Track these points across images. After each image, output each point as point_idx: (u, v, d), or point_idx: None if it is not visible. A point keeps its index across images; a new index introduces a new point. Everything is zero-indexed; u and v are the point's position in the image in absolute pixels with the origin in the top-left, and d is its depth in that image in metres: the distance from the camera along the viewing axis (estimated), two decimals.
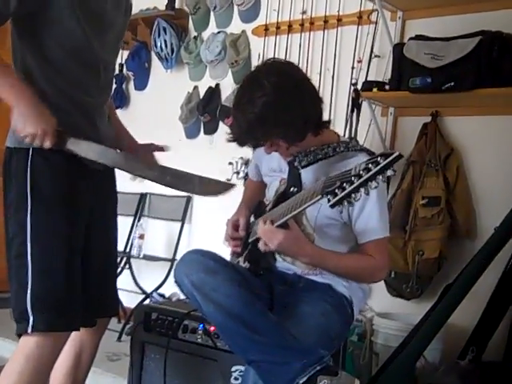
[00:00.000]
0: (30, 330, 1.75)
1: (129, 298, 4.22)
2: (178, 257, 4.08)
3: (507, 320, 2.82)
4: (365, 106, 3.35)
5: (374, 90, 3.22)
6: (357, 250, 1.98)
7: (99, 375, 3.22)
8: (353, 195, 1.51)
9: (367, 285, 2.10)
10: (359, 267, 1.94)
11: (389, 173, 1.50)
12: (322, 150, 1.96)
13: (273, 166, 2.09)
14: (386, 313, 3.22)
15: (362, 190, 1.51)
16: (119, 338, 3.85)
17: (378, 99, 3.33)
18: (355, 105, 3.33)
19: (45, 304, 1.78)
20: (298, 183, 1.93)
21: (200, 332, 2.18)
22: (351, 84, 3.38)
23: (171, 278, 4.08)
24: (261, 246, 1.82)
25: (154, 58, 4.46)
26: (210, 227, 4.15)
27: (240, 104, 1.88)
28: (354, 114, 3.35)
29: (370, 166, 1.50)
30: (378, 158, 1.50)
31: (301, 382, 1.64)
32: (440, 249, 3.07)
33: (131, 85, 4.67)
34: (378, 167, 1.49)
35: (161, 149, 2.29)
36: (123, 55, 4.64)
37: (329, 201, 1.54)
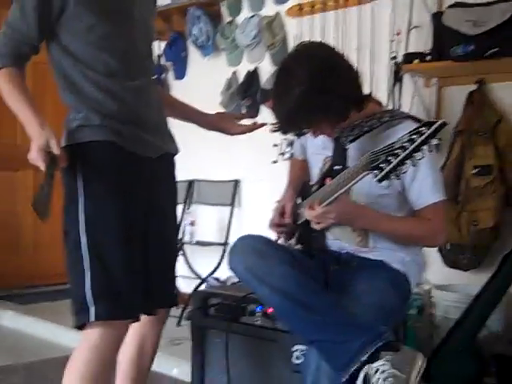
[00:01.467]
0: (91, 319, 1.77)
1: (185, 284, 4.29)
2: (230, 241, 4.19)
3: None
4: (406, 78, 3.32)
5: (415, 61, 3.18)
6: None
7: (163, 359, 3.30)
8: (399, 168, 1.50)
9: (422, 258, 2.09)
10: (416, 230, 1.93)
11: (434, 142, 1.49)
12: (366, 122, 1.95)
13: (317, 144, 2.09)
14: (444, 285, 3.20)
15: (409, 162, 1.50)
16: (179, 323, 3.92)
17: (420, 71, 3.28)
18: (397, 79, 3.30)
19: (104, 294, 1.80)
20: (343, 160, 1.93)
21: (258, 314, 2.21)
22: (391, 58, 3.34)
23: (225, 262, 4.17)
24: (315, 226, 1.83)
25: (191, 46, 4.49)
26: (260, 210, 4.17)
27: (277, 94, 1.89)
28: (396, 88, 3.32)
29: (414, 136, 1.49)
30: (422, 128, 1.49)
31: (363, 359, 1.66)
32: (495, 218, 3.02)
33: (170, 75, 4.71)
34: (423, 137, 1.48)
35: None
36: (160, 46, 4.69)
37: (375, 176, 1.53)
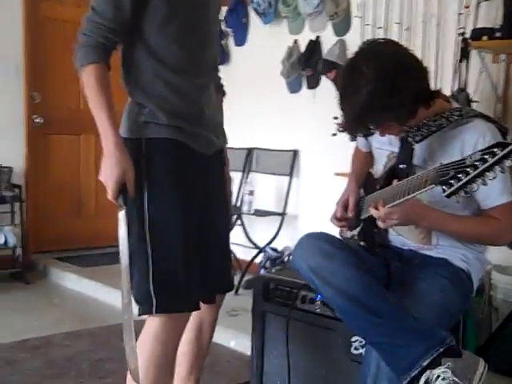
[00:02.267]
0: (154, 312, 1.85)
1: (243, 252, 4.38)
2: (288, 211, 4.22)
3: None
4: (473, 54, 3.23)
5: (484, 38, 3.09)
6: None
7: (221, 332, 3.39)
8: (469, 186, 1.49)
9: (484, 255, 2.08)
10: (483, 230, 1.90)
11: (507, 163, 1.47)
12: (434, 121, 1.92)
13: (382, 139, 2.07)
14: (504, 266, 3.17)
15: (479, 180, 1.48)
16: (236, 292, 4.00)
17: (489, 47, 3.19)
18: (464, 54, 3.21)
19: (165, 288, 1.87)
20: (409, 160, 1.92)
21: (318, 302, 2.24)
22: (459, 34, 3.25)
23: (282, 232, 4.22)
24: (380, 224, 1.84)
25: (252, 12, 4.45)
26: (318, 181, 4.21)
27: (345, 95, 1.87)
28: (463, 63, 3.24)
29: (486, 156, 1.47)
30: (495, 149, 1.47)
31: (424, 364, 1.68)
32: None
33: (231, 41, 4.69)
34: (495, 158, 1.46)
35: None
36: (222, 12, 4.66)
37: (444, 191, 1.53)
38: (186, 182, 1.91)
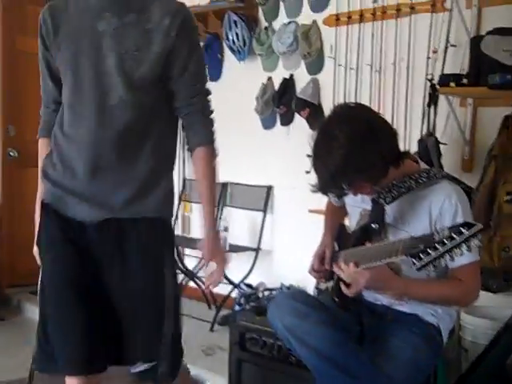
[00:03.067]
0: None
1: (217, 287, 4.40)
2: (262, 246, 4.26)
3: None
4: (442, 97, 3.32)
5: (452, 84, 3.18)
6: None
7: (196, 372, 3.41)
8: (437, 261, 1.57)
9: (453, 309, 2.15)
10: (449, 294, 1.98)
11: (473, 243, 1.55)
12: (404, 182, 2.01)
13: (354, 197, 2.15)
14: (474, 307, 3.24)
15: (447, 256, 1.56)
16: (212, 328, 4.03)
17: (456, 93, 3.29)
18: (432, 99, 3.31)
19: (39, 347, 1.99)
20: (381, 220, 2.00)
21: (291, 350, 2.29)
22: (427, 79, 3.35)
23: (257, 268, 4.27)
24: (344, 290, 1.90)
25: (227, 48, 4.51)
26: (292, 217, 4.27)
27: (319, 156, 1.95)
28: (432, 107, 3.34)
29: (454, 235, 1.55)
30: (463, 229, 1.55)
31: None
32: None
33: None
34: (462, 238, 1.54)
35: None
36: None
37: (414, 263, 1.60)
38: (52, 245, 1.97)
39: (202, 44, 4.53)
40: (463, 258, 1.92)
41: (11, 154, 4.75)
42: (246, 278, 4.24)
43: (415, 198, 1.99)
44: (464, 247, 1.55)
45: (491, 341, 2.92)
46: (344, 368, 1.82)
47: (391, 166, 1.97)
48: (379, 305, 2.11)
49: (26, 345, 3.86)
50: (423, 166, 2.14)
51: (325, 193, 2.02)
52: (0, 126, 4.65)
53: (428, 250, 1.57)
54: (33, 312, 4.45)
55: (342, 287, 1.90)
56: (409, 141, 3.52)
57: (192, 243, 4.53)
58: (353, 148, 1.88)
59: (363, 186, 1.98)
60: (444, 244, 1.55)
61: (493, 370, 2.85)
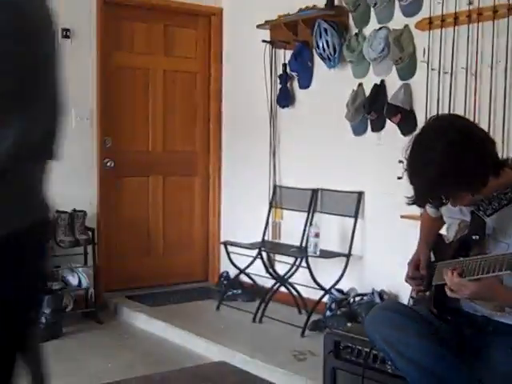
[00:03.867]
0: None
1: (308, 292, 4.43)
2: (353, 252, 4.25)
3: None
4: None
5: None
6: None
7: (289, 378, 3.44)
8: None
9: None
10: None
11: None
12: (505, 194, 1.97)
13: (452, 208, 2.11)
14: None
15: None
16: (303, 334, 4.05)
17: None
18: None
19: None
20: (481, 232, 1.96)
21: (389, 362, 2.27)
22: None
23: (347, 273, 4.25)
24: (449, 293, 1.87)
25: (317, 56, 4.52)
26: (383, 222, 4.23)
27: (415, 169, 1.93)
28: None
29: None
30: None
31: None
32: None
33: (295, 84, 4.78)
34: None
35: None
36: (286, 55, 4.77)
37: None
38: None
39: (291, 52, 4.66)
40: None
41: (108, 164, 4.94)
42: (336, 283, 4.23)
43: None
44: None
45: None
46: (443, 380, 1.80)
47: (491, 174, 1.93)
48: (479, 316, 2.06)
49: (123, 348, 4.04)
50: None
51: (422, 205, 1.99)
52: (97, 138, 4.83)
53: None
54: (128, 316, 4.62)
55: (448, 292, 1.86)
56: (507, 148, 3.42)
57: (283, 249, 4.58)
58: (451, 158, 1.86)
59: (462, 196, 1.95)
60: None
61: None
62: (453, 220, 2.16)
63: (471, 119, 3.53)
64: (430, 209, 2.35)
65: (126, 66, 5.06)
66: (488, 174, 1.91)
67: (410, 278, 2.25)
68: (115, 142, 4.98)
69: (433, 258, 2.24)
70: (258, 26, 4.79)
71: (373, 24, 4.19)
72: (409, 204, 2.00)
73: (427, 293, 2.20)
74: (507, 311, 2.01)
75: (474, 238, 1.95)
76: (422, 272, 2.21)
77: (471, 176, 1.88)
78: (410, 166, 1.95)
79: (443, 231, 2.35)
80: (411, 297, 2.29)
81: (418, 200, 1.97)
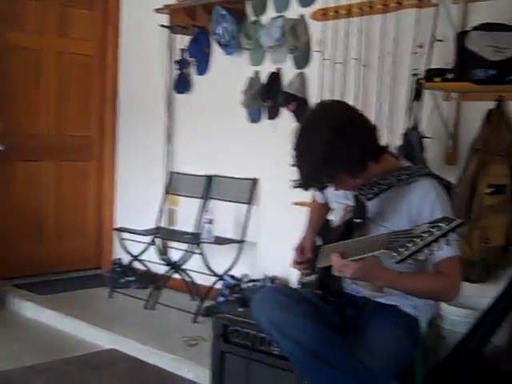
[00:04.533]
0: None
1: (202, 278, 4.43)
2: (247, 238, 4.28)
3: None
4: (426, 91, 3.35)
5: (437, 79, 3.21)
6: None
7: (178, 363, 3.43)
8: (416, 254, 1.59)
9: (431, 301, 2.19)
10: (432, 287, 1.99)
11: (452, 238, 1.57)
12: (385, 179, 2.03)
13: (338, 193, 2.17)
14: None
15: (426, 250, 1.58)
16: (195, 320, 4.04)
17: (441, 88, 3.32)
18: (417, 94, 3.33)
19: None
20: (364, 216, 2.02)
21: (275, 343, 2.31)
22: (412, 74, 3.37)
23: (241, 260, 4.29)
24: (336, 273, 1.92)
25: (215, 42, 4.51)
26: (276, 209, 4.28)
27: (300, 152, 1.97)
28: (416, 101, 3.36)
29: (433, 230, 1.57)
30: (441, 224, 1.57)
31: None
32: (506, 236, 3.10)
33: (193, 70, 4.75)
34: (440, 232, 1.56)
35: None
36: (184, 41, 4.73)
37: (393, 257, 1.62)
38: None
39: (189, 38, 4.62)
40: (445, 252, 1.94)
41: None
42: (230, 269, 4.26)
43: (396, 195, 2.01)
44: (443, 241, 1.57)
45: (469, 329, 2.97)
46: (325, 360, 1.85)
47: (371, 160, 1.99)
48: (360, 297, 2.13)
49: (9, 338, 3.89)
50: (403, 161, 2.16)
51: (306, 188, 2.03)
52: None
53: (408, 244, 1.59)
54: (16, 305, 4.46)
55: (334, 272, 1.91)
56: (393, 134, 3.54)
57: (177, 236, 4.55)
58: (334, 143, 1.90)
59: (344, 180, 1.99)
60: (423, 238, 1.57)
61: (470, 357, 2.89)
62: (339, 205, 2.22)
63: (361, 108, 3.65)
64: (318, 195, 2.40)
65: (17, 46, 4.84)
66: (369, 159, 1.97)
67: (296, 263, 2.29)
68: (5, 125, 4.77)
69: (320, 243, 2.29)
70: (157, 10, 4.72)
71: (270, 12, 4.22)
72: (294, 187, 2.03)
73: (313, 276, 2.24)
74: (386, 292, 2.09)
75: (356, 221, 2.01)
76: (306, 255, 2.25)
77: (352, 161, 1.92)
78: (295, 150, 1.98)
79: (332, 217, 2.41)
80: (299, 282, 2.34)
81: (302, 183, 2.00)
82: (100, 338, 3.85)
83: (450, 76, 3.17)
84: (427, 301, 2.14)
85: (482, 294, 3.17)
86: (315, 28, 3.98)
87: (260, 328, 2.03)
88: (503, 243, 3.12)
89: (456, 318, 3.14)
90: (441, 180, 2.08)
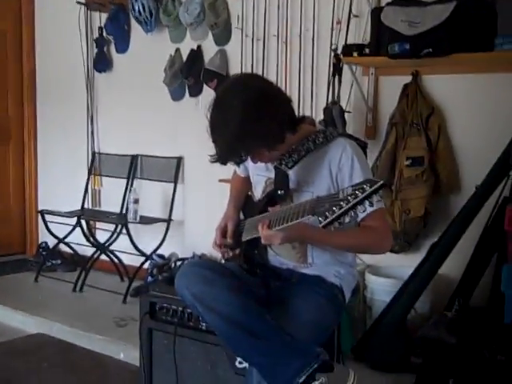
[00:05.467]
0: None
1: (130, 259, 4.41)
2: (174, 217, 4.27)
3: (489, 271, 3.00)
4: (346, 66, 3.41)
5: (354, 54, 3.28)
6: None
7: (109, 343, 3.42)
8: (342, 217, 1.63)
9: (355, 270, 2.25)
10: (364, 239, 2.03)
11: (375, 199, 1.62)
12: (302, 145, 2.06)
13: (259, 165, 2.18)
14: (377, 267, 3.41)
15: (351, 213, 1.62)
16: (124, 300, 4.03)
17: (359, 63, 3.39)
18: (336, 69, 3.40)
19: None
20: (286, 186, 2.05)
21: (200, 318, 2.33)
22: (331, 49, 3.43)
23: (168, 239, 4.28)
24: (264, 242, 1.94)
25: (133, 19, 4.44)
26: (202, 187, 4.29)
27: (215, 126, 1.96)
28: (336, 77, 3.42)
29: (357, 192, 1.61)
30: (364, 186, 1.61)
31: (300, 380, 1.81)
32: (425, 207, 3.22)
33: (112, 48, 4.67)
34: (364, 194, 1.60)
35: None
36: (101, 18, 4.64)
37: (320, 222, 1.65)
38: None
39: (107, 15, 4.53)
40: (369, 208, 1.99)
41: None
42: (157, 248, 4.25)
43: (315, 159, 2.05)
44: (366, 203, 1.61)
45: (392, 298, 3.08)
46: (250, 331, 1.87)
47: (288, 131, 2.01)
48: (284, 269, 2.17)
49: None
50: (319, 127, 2.20)
51: (224, 162, 2.03)
52: None
53: (333, 208, 1.62)
54: None
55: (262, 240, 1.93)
56: (316, 109, 3.61)
57: (103, 216, 4.50)
58: (248, 115, 1.90)
59: (261, 153, 2.01)
60: (348, 201, 1.61)
61: (394, 325, 3.01)
62: (260, 178, 2.23)
63: (283, 85, 3.70)
64: (238, 168, 2.42)
65: None
66: (284, 131, 1.98)
67: (217, 245, 2.29)
68: None
69: (242, 218, 2.32)
70: None
71: None
72: (212, 162, 2.03)
73: (237, 251, 2.26)
74: (309, 262, 2.14)
75: (279, 192, 2.03)
76: (228, 240, 2.25)
77: (268, 133, 1.93)
78: (210, 123, 1.98)
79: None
80: (223, 259, 2.35)
81: (219, 158, 2.00)
82: (27, 323, 3.78)
83: (366, 51, 3.25)
84: (351, 270, 2.20)
85: (404, 264, 3.30)
86: (235, 4, 3.98)
87: (184, 302, 2.04)
88: (422, 214, 3.24)
89: (380, 287, 3.26)
90: (356, 139, 2.13)
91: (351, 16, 3.44)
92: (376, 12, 3.19)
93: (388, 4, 3.15)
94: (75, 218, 4.50)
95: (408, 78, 3.33)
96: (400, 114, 3.31)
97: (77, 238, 4.58)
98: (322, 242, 2.03)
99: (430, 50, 2.96)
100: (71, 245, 4.67)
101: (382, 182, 1.62)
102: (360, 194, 1.61)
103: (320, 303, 2.03)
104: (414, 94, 3.30)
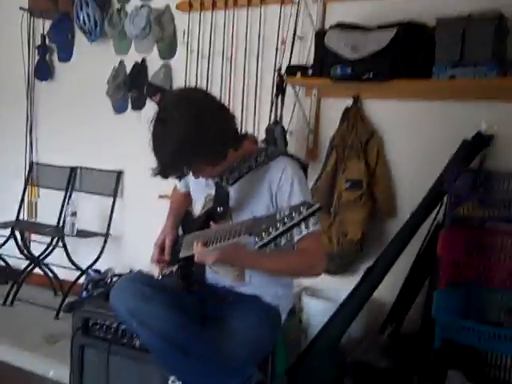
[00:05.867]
0: None
1: (65, 273, 4.31)
2: (112, 232, 4.20)
3: (422, 296, 3.05)
4: (289, 87, 3.44)
5: (298, 75, 3.32)
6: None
7: (39, 361, 3.31)
8: (278, 239, 1.63)
9: (292, 291, 2.26)
10: (296, 265, 2.04)
11: (311, 221, 1.64)
12: (244, 163, 2.07)
13: (200, 181, 2.18)
14: (314, 288, 3.43)
15: (287, 235, 1.63)
16: (57, 316, 3.93)
17: (302, 84, 3.43)
18: (280, 89, 3.42)
19: None
20: (225, 203, 2.04)
21: (134, 334, 2.29)
22: (275, 70, 3.46)
23: (106, 254, 4.21)
24: (198, 260, 1.92)
25: (78, 29, 4.37)
26: (142, 202, 4.24)
27: (156, 140, 1.94)
28: (279, 97, 3.45)
29: (294, 214, 1.62)
30: (301, 208, 1.62)
31: None
32: (362, 230, 3.25)
33: (55, 56, 4.58)
34: (301, 217, 1.61)
35: None
36: (45, 26, 4.56)
37: (256, 242, 1.65)
38: None
39: (51, 23, 4.45)
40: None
41: None
42: (94, 263, 4.16)
43: (256, 177, 2.06)
44: (303, 225, 1.62)
45: (327, 321, 3.09)
46: (186, 350, 1.86)
47: (230, 147, 2.00)
48: (221, 288, 2.16)
49: None
50: (261, 144, 2.21)
51: (165, 176, 2.01)
52: None
53: (270, 228, 1.62)
54: None
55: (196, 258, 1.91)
56: (258, 128, 3.62)
57: (39, 228, 4.39)
58: (189, 129, 1.88)
59: (202, 168, 2.00)
60: (284, 223, 1.61)
61: (328, 348, 3.01)
62: (199, 194, 2.22)
63: (226, 102, 3.70)
64: (179, 183, 2.40)
65: None
66: (227, 147, 1.98)
67: (155, 261, 2.26)
68: None
69: (181, 233, 2.30)
70: None
71: (135, 1, 4.16)
72: (154, 175, 2.01)
73: (175, 267, 2.24)
74: (247, 281, 2.13)
75: (218, 209, 2.03)
76: (166, 257, 2.23)
77: (209, 148, 1.92)
78: (152, 137, 1.96)
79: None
80: (160, 276, 2.32)
81: (160, 171, 1.99)
82: None
83: (309, 72, 3.29)
84: (287, 292, 2.21)
85: (341, 287, 3.31)
86: (181, 19, 3.97)
87: (119, 318, 2.00)
88: (359, 237, 3.27)
89: (316, 309, 3.26)
90: (297, 159, 2.15)
91: (296, 37, 3.48)
92: (320, 34, 3.24)
93: (332, 27, 3.20)
94: (9, 229, 4.37)
95: (349, 101, 3.38)
96: (340, 136, 3.35)
97: (10, 250, 4.44)
98: (254, 266, 2.03)
99: (371, 74, 3.02)
100: (4, 257, 4.53)
101: (318, 205, 1.63)
102: (297, 216, 1.62)
103: (256, 323, 2.02)
104: (354, 117, 3.35)
